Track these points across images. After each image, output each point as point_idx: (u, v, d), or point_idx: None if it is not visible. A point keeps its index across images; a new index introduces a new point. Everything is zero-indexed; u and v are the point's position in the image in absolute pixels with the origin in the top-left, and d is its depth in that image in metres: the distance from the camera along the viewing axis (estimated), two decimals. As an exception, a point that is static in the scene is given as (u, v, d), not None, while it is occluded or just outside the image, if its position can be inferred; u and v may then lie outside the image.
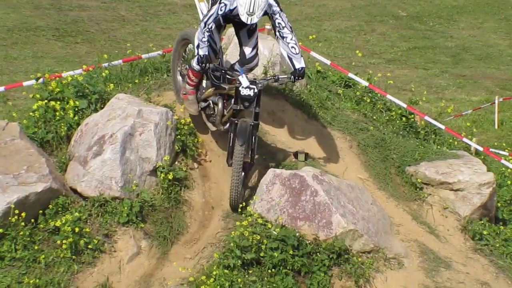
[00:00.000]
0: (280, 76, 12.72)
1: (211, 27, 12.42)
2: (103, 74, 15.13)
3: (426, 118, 16.44)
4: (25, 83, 16.62)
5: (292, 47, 12.32)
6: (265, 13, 12.24)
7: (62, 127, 13.59)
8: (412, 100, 16.43)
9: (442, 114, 18.49)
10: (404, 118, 15.91)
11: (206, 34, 12.37)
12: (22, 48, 23.94)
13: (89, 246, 12.23)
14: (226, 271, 11.94)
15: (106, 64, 15.74)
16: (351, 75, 16.62)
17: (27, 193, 12.19)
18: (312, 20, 28.03)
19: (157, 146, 13.20)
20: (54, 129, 13.61)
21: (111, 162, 12.79)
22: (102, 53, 17.82)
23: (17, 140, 12.93)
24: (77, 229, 12.12)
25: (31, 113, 13.94)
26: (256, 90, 12.29)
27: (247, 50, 13.09)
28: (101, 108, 13.85)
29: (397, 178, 14.64)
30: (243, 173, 12.49)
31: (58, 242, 12.12)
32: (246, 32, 13.07)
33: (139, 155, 13.08)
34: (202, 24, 12.39)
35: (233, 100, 12.65)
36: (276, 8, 12.27)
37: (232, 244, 12.17)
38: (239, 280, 11.88)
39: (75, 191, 12.83)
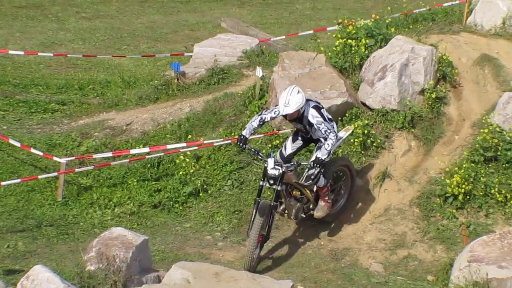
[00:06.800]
0: (302, 162, 12.32)
1: (264, 119, 12.17)
2: (387, 21, 16.57)
3: None
4: (328, 28, 18.56)
5: (327, 143, 11.94)
6: (312, 125, 12.05)
7: (356, 58, 15.32)
8: None
9: None
10: None
11: (257, 121, 12.13)
12: (325, 1, 25.36)
13: (374, 144, 14.13)
14: (472, 164, 13.61)
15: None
16: None
17: (330, 105, 14.10)
18: None
19: (425, 73, 14.72)
20: (350, 59, 15.33)
21: (391, 84, 14.52)
22: (385, 6, 18.85)
23: (323, 67, 14.87)
24: (365, 131, 14.04)
25: (333, 48, 15.65)
26: (280, 171, 11.82)
27: (288, 150, 12.79)
28: (385, 45, 15.31)
29: None
30: (258, 244, 11.91)
31: (351, 140, 14.04)
32: (300, 136, 12.76)
33: (411, 80, 14.68)
34: (261, 114, 12.28)
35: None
36: (319, 119, 12.00)
37: (477, 145, 13.76)
38: (482, 171, 13.52)
39: (364, 104, 14.72)
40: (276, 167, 11.83)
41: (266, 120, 12.24)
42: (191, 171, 14.16)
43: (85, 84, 18.16)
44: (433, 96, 14.71)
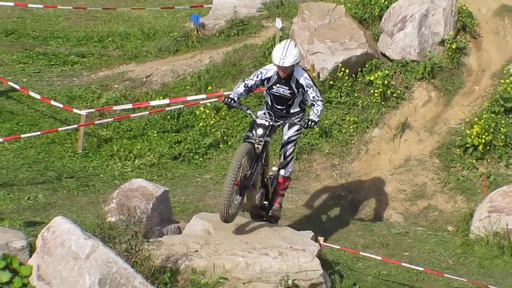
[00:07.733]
0: (295, 121, 10.78)
1: (248, 84, 10.69)
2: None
3: None
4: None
5: (316, 108, 10.49)
6: (301, 86, 10.62)
7: (376, 9, 15.31)
8: None
9: None
10: None
11: (242, 86, 10.69)
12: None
13: (394, 95, 14.11)
14: (492, 115, 13.54)
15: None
16: None
17: (350, 55, 14.19)
18: None
19: (445, 24, 14.69)
20: (370, 10, 15.35)
21: (411, 35, 14.51)
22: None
23: (343, 18, 14.85)
24: (385, 82, 14.00)
25: (357, -2, 15.52)
26: (271, 123, 10.48)
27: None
28: (405, -4, 15.08)
29: None
30: (237, 188, 10.06)
31: (372, 91, 14.06)
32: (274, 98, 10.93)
33: (431, 30, 14.66)
34: (244, 81, 10.88)
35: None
36: (309, 82, 10.63)
37: (497, 96, 13.69)
38: (502, 121, 13.47)
39: (384, 55, 14.67)
40: (267, 118, 10.53)
41: (249, 85, 10.79)
42: (211, 122, 14.11)
43: (104, 36, 18.02)
44: (453, 46, 14.64)
